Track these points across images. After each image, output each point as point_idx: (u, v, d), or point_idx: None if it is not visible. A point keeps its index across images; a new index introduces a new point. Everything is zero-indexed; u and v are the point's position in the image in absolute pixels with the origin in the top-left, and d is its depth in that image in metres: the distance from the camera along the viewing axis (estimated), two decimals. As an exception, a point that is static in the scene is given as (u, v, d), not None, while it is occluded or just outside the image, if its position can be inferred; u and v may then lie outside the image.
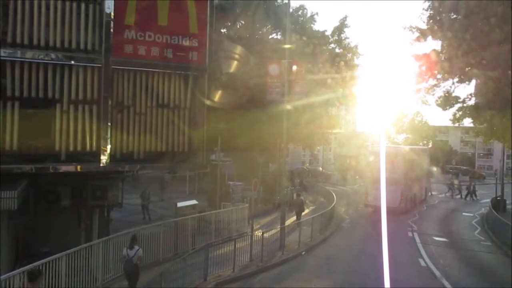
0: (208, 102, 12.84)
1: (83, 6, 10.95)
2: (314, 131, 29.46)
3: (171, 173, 30.08)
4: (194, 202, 19.45)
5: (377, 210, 25.33)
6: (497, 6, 15.43)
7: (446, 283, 14.10)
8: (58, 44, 10.71)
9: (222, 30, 25.41)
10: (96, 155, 11.29)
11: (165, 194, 28.11)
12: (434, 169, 43.09)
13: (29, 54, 10.43)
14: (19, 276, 9.08)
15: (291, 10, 24.78)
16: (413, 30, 19.57)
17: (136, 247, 11.32)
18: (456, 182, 41.53)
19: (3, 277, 8.74)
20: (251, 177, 22.88)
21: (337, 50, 29.61)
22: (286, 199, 22.72)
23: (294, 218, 23.61)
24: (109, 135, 11.39)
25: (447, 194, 39.38)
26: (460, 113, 22.77)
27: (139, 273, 11.35)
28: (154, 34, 11.71)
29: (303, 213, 24.30)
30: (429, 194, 37.66)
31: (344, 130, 62.67)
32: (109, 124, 11.38)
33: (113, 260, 12.69)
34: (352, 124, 78.55)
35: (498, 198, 31.67)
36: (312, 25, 28.67)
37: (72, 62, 10.92)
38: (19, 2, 10.24)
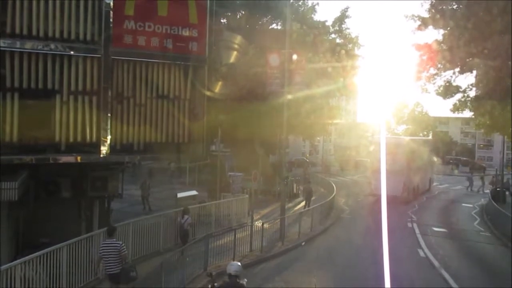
0: (208, 93, 12.79)
1: (82, -4, 10.87)
2: (314, 122, 29.39)
3: (176, 163, 30.19)
4: (194, 192, 19.50)
5: (380, 199, 25.06)
6: (498, -4, 15.34)
7: (445, 274, 14.17)
8: (57, 35, 10.60)
9: (222, 21, 25.25)
10: (96, 146, 11.26)
11: (165, 185, 28.18)
12: (435, 159, 42.95)
13: (28, 45, 10.33)
14: (20, 266, 9.13)
15: (291, 0, 24.67)
16: (415, 18, 19.46)
17: (186, 217, 14.41)
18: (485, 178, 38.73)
19: (3, 267, 8.78)
20: (251, 168, 22.88)
21: (337, 41, 29.43)
22: (286, 190, 22.85)
23: (302, 204, 24.68)
24: (109, 126, 11.34)
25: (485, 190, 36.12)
26: (461, 103, 22.73)
27: (189, 235, 14.52)
28: (154, 25, 11.61)
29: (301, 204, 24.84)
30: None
31: (344, 121, 62.44)
32: (109, 115, 11.33)
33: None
34: (352, 114, 78.40)
35: (498, 189, 31.72)
36: (312, 15, 28.49)
37: (72, 52, 10.84)
38: (17, -8, 10.16)
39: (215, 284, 7.93)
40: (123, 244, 10.09)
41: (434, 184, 39.68)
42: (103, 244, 10.20)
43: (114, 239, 10.12)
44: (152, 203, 22.53)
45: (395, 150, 26.87)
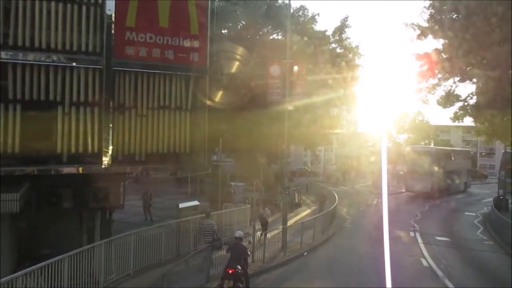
0: (209, 103, 12.84)
1: (84, 8, 10.97)
2: (315, 132, 29.39)
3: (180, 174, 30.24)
4: (196, 203, 19.44)
5: (416, 195, 36.50)
6: (497, 7, 15.41)
7: (448, 283, 14.08)
8: (59, 46, 10.71)
9: (223, 31, 25.40)
10: (98, 157, 11.29)
11: (167, 195, 28.15)
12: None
13: (30, 56, 10.43)
14: (21, 278, 9.09)
15: (292, 10, 24.86)
16: (415, 27, 19.54)
17: (266, 208, 20.50)
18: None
19: (4, 279, 8.74)
20: (252, 178, 22.84)
21: (338, 50, 29.53)
22: (288, 200, 22.86)
23: (307, 212, 26.72)
24: (110, 137, 11.38)
25: None
26: (461, 111, 22.75)
27: (268, 222, 19.61)
28: (155, 36, 11.72)
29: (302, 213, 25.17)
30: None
31: (345, 130, 62.35)
32: (111, 125, 11.37)
33: (115, 261, 12.68)
34: (353, 124, 78.13)
35: (501, 197, 31.56)
36: (313, 25, 28.62)
37: (74, 64, 10.93)
38: (20, 5, 10.26)
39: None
40: (214, 223, 15.26)
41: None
42: (203, 222, 15.30)
43: (209, 220, 15.22)
44: (153, 213, 22.47)
45: (427, 158, 36.32)
